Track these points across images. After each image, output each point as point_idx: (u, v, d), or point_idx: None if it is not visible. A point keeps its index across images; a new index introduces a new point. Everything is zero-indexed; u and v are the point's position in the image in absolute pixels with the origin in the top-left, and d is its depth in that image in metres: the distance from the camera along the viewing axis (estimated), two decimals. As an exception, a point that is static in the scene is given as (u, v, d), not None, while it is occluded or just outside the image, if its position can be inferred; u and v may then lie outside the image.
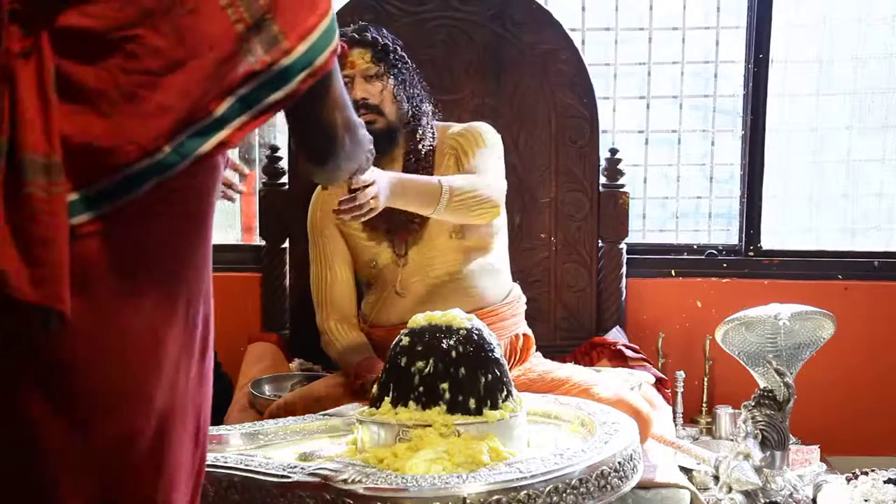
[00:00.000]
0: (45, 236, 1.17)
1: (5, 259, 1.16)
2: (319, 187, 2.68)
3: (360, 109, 2.47)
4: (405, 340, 2.05)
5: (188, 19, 1.24)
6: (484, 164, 2.54)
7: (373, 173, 2.17)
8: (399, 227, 2.57)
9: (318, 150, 1.45)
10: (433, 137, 2.62)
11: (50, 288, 1.17)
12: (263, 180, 3.28)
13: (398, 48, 2.60)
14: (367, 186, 2.15)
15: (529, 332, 2.69)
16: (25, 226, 1.16)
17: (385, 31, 2.62)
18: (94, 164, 1.20)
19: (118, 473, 1.29)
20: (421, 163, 2.59)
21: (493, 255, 2.64)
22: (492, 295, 2.61)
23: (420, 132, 2.60)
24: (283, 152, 3.24)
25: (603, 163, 3.22)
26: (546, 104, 3.15)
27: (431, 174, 2.57)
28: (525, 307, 2.72)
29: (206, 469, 1.83)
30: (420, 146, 2.59)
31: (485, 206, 2.43)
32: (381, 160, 2.44)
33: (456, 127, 2.66)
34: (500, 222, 2.67)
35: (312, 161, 1.47)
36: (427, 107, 2.63)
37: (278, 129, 3.49)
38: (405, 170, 2.57)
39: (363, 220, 2.28)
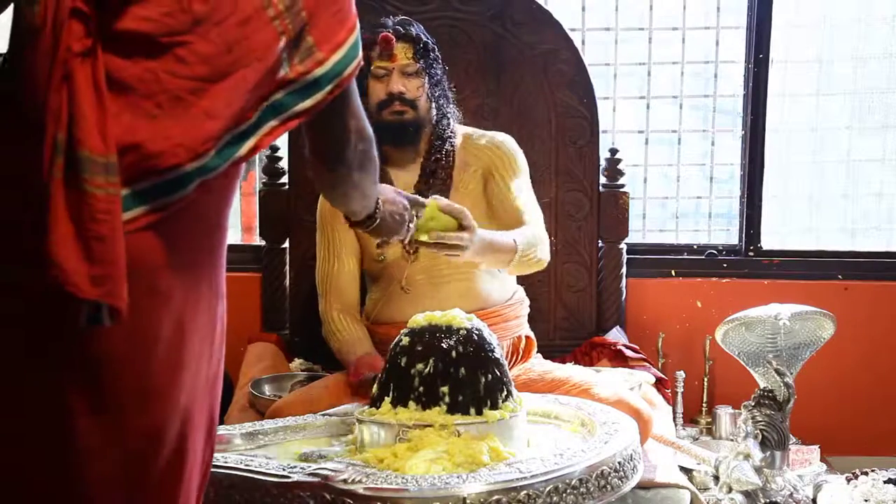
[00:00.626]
0: (104, 234, 1.19)
1: (67, 256, 1.17)
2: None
3: (395, 101, 2.55)
4: (405, 340, 2.05)
5: (239, 30, 1.28)
6: (529, 201, 2.61)
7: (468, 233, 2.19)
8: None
9: (331, 155, 1.49)
10: (453, 137, 2.65)
11: (109, 285, 1.19)
12: (263, 180, 3.28)
13: (436, 48, 2.64)
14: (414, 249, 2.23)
15: (532, 334, 2.70)
16: (86, 223, 1.18)
17: (423, 27, 2.65)
18: (142, 164, 1.22)
19: (145, 475, 1.30)
20: (441, 162, 2.62)
21: None
22: (496, 296, 2.61)
23: (444, 132, 2.63)
24: (283, 152, 3.24)
25: (603, 163, 3.22)
26: (546, 104, 3.15)
27: (450, 175, 2.61)
28: (528, 310, 2.72)
29: (206, 469, 1.84)
30: (443, 146, 2.62)
31: (540, 263, 2.52)
32: (403, 153, 2.62)
33: (481, 138, 2.68)
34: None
35: (326, 164, 1.50)
36: (452, 108, 2.68)
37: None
38: (425, 167, 2.62)
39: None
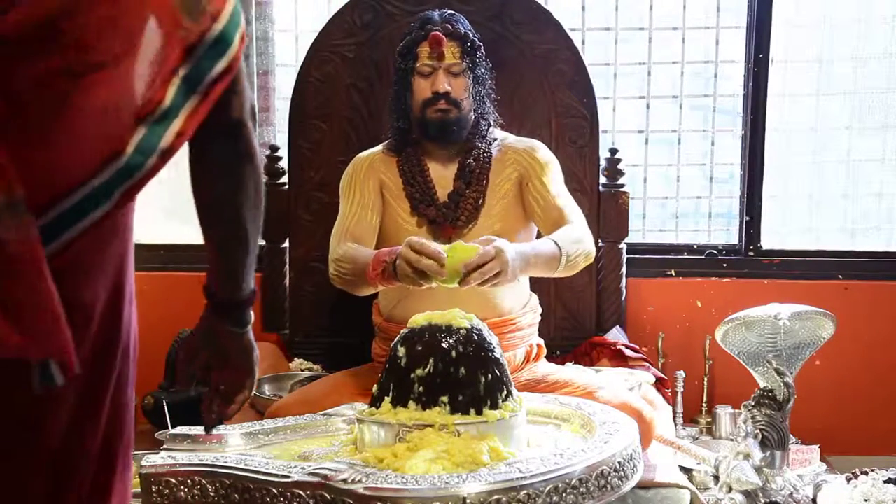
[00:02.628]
0: (31, 284, 1.04)
1: (1, 324, 1.03)
2: (359, 157, 2.70)
3: (440, 100, 2.55)
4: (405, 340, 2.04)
5: (118, 5, 1.12)
6: (568, 201, 2.60)
7: (498, 247, 2.22)
8: (446, 220, 2.57)
9: (231, 123, 1.32)
10: (491, 136, 2.66)
11: (50, 339, 1.06)
12: (263, 180, 3.27)
13: (482, 45, 2.64)
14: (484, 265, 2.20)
15: (541, 342, 2.69)
16: (8, 280, 1.04)
17: (468, 22, 2.65)
18: (53, 186, 1.07)
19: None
20: (480, 162, 2.62)
21: None
22: (511, 303, 2.59)
23: (483, 131, 2.64)
24: (283, 152, 3.24)
25: (603, 163, 3.22)
26: (546, 104, 3.15)
27: (486, 176, 2.61)
28: (540, 318, 2.71)
29: (206, 469, 1.85)
30: (482, 144, 2.63)
31: (588, 258, 2.52)
32: (443, 149, 2.62)
33: (517, 143, 2.68)
34: (533, 236, 2.68)
35: (224, 135, 1.32)
36: (491, 107, 2.67)
37: (278, 129, 3.49)
38: (463, 164, 2.61)
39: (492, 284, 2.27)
